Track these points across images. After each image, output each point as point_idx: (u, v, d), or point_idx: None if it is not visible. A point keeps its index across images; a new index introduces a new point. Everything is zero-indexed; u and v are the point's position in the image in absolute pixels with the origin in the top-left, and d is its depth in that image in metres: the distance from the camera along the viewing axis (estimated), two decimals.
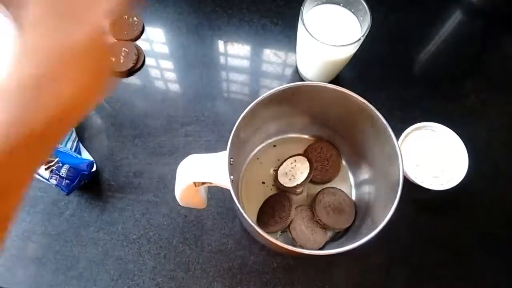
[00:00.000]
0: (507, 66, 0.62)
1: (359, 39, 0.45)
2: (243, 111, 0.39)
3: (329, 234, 0.48)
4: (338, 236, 0.48)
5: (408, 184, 0.51)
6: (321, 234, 0.46)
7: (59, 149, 0.51)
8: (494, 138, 0.57)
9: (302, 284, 0.49)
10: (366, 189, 0.47)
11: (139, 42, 0.61)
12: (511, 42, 0.64)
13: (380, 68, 0.61)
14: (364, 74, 0.60)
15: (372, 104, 0.40)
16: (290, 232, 0.45)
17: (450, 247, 0.51)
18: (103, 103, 0.57)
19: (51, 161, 0.49)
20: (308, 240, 0.45)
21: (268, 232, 0.46)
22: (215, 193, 0.52)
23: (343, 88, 0.40)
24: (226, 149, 0.38)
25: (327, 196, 0.47)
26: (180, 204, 0.43)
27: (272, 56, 0.61)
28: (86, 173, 0.50)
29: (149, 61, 0.60)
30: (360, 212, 0.47)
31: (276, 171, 0.49)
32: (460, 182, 0.49)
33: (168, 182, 0.53)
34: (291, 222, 0.45)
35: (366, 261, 0.50)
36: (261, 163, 0.51)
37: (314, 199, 0.47)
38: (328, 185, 0.50)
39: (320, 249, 0.46)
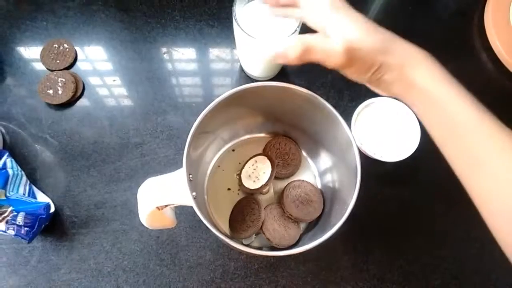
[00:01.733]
0: (440, 28, 0.64)
1: (295, 30, 0.45)
2: (194, 122, 0.39)
3: (302, 226, 0.48)
4: (311, 226, 0.48)
5: (369, 160, 0.52)
6: (294, 229, 0.46)
7: (10, 197, 0.48)
8: None
9: (286, 279, 0.50)
10: (330, 176, 0.48)
11: (75, 69, 0.59)
12: (441, 4, 0.66)
13: None
14: None
15: (320, 90, 0.40)
16: (264, 233, 0.45)
17: (419, 213, 0.53)
18: (48, 139, 0.55)
19: (4, 212, 0.46)
20: (282, 237, 0.45)
21: (242, 238, 0.46)
22: (183, 208, 0.51)
23: (285, 83, 0.40)
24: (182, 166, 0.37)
25: (293, 189, 0.47)
26: (149, 228, 0.42)
27: (215, 59, 0.60)
28: (44, 216, 0.48)
29: (89, 86, 0.58)
30: (328, 200, 0.47)
31: (239, 175, 0.48)
32: (416, 149, 0.51)
33: (133, 207, 0.52)
34: (263, 223, 0.45)
35: (344, 245, 0.51)
36: (223, 170, 0.50)
37: (281, 195, 0.48)
38: (292, 178, 0.50)
39: (296, 242, 0.46)
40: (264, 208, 0.46)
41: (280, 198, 0.48)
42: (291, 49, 0.32)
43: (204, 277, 0.50)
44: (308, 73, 0.59)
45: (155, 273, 0.50)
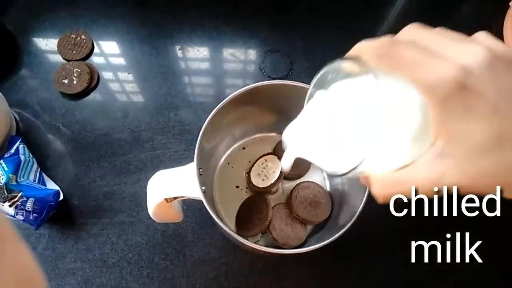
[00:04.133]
0: None
1: None
2: (206, 119, 0.39)
3: (309, 228, 0.48)
4: (318, 228, 0.48)
5: None
6: (301, 230, 0.46)
7: (21, 183, 0.48)
8: None
9: (290, 281, 0.50)
10: (339, 178, 0.48)
11: (91, 60, 0.59)
12: (460, 16, 0.66)
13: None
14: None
15: None
16: (270, 232, 0.45)
17: (426, 220, 0.52)
18: (60, 128, 0.55)
19: (14, 196, 0.47)
20: (289, 237, 0.45)
21: (248, 236, 0.46)
22: (190, 204, 0.52)
23: (299, 83, 0.40)
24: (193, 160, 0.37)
25: (302, 190, 0.47)
26: (156, 221, 0.42)
27: (229, 57, 0.61)
28: (53, 203, 0.48)
29: (104, 78, 0.59)
30: (336, 202, 0.47)
31: (248, 173, 0.48)
32: None
33: (141, 200, 0.52)
34: (270, 222, 0.45)
35: (350, 250, 0.51)
36: (232, 167, 0.50)
37: (290, 195, 0.47)
38: (302, 179, 0.50)
39: (303, 243, 0.46)
40: (272, 208, 0.46)
41: (288, 198, 0.48)
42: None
43: (208, 274, 0.49)
44: None
45: (159, 267, 0.50)
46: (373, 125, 0.22)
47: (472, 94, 0.19)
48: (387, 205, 0.53)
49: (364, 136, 0.23)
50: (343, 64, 0.23)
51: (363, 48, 0.22)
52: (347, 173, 0.23)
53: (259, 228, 0.44)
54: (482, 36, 0.21)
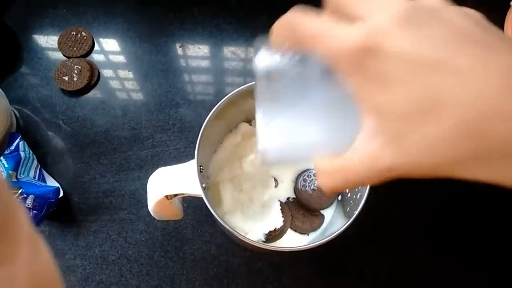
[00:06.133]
0: None
1: None
2: (206, 116, 0.39)
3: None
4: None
5: None
6: (317, 217, 0.47)
7: (21, 180, 0.48)
8: None
9: (290, 278, 0.50)
10: None
11: (91, 58, 0.59)
12: None
13: None
14: None
15: None
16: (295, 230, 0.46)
17: (434, 218, 0.53)
18: (60, 125, 0.55)
19: (14, 193, 0.47)
20: (305, 222, 0.46)
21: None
22: (191, 201, 0.52)
23: None
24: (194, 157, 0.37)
25: (308, 177, 0.48)
26: (156, 218, 0.42)
27: (230, 55, 0.60)
28: (53, 200, 0.48)
29: (105, 75, 0.58)
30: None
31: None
32: None
33: (141, 197, 0.52)
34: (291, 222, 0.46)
35: (350, 249, 0.51)
36: (233, 165, 0.50)
37: (295, 188, 0.48)
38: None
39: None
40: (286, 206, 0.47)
41: (295, 189, 0.48)
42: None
43: (208, 272, 0.50)
44: None
45: (159, 264, 0.50)
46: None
47: (385, 57, 0.16)
48: (387, 204, 0.53)
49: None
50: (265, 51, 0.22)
51: (274, 27, 0.20)
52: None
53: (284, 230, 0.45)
54: None
